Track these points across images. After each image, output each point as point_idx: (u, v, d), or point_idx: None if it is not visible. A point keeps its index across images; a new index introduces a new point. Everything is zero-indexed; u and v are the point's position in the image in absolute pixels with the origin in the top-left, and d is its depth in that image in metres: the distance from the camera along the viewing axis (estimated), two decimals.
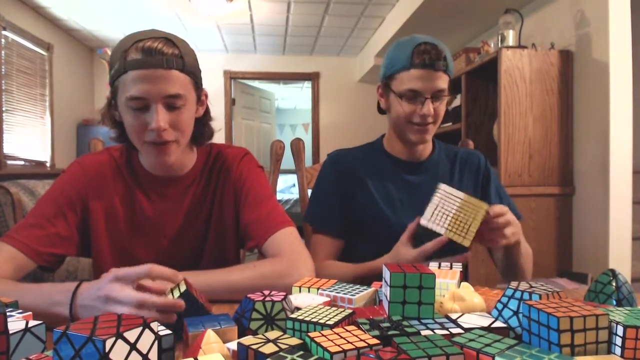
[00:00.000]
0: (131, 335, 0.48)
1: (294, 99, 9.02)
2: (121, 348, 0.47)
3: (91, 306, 0.72)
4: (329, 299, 0.78)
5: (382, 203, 1.26)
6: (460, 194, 1.05)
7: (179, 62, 0.94)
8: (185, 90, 0.96)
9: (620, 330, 0.56)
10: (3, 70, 3.72)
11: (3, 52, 3.72)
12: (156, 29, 0.97)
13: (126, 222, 1.07)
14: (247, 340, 0.57)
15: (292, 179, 7.34)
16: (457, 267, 0.88)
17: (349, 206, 1.28)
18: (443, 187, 1.07)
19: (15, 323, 0.57)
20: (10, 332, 0.54)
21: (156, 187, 1.09)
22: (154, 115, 0.93)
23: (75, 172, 1.06)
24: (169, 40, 0.94)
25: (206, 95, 1.07)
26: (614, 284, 0.76)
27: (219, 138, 5.55)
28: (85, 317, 0.66)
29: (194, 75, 0.99)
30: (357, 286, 0.83)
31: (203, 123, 1.09)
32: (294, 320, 0.63)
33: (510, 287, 0.68)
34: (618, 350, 0.56)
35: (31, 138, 4.21)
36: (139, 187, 1.09)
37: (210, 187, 1.13)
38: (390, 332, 0.59)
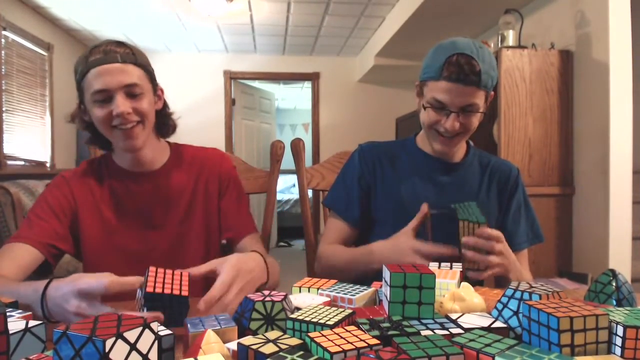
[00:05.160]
0: (131, 335, 0.48)
1: (293, 99, 9.01)
2: (121, 348, 0.47)
3: (58, 313, 0.76)
4: (329, 299, 0.78)
5: (406, 199, 1.24)
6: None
7: (131, 58, 1.07)
8: (141, 80, 1.08)
9: (620, 330, 0.56)
10: (3, 70, 3.71)
11: (3, 52, 3.71)
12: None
13: (109, 218, 1.15)
14: (247, 340, 0.57)
15: (292, 179, 7.35)
16: (457, 267, 0.88)
17: (369, 199, 1.28)
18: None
19: (15, 323, 0.58)
20: (10, 332, 0.54)
21: (132, 182, 1.16)
22: (116, 102, 1.04)
23: (60, 181, 1.16)
24: (122, 42, 1.09)
25: (162, 91, 1.19)
26: (614, 284, 0.77)
27: (219, 137, 5.55)
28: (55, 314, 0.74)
29: (147, 69, 1.11)
30: (357, 286, 0.83)
31: (164, 114, 1.20)
32: (294, 320, 0.63)
33: (510, 287, 0.68)
34: (618, 350, 0.56)
35: (31, 138, 4.20)
36: (118, 183, 1.16)
37: (190, 183, 1.20)
38: (390, 332, 0.59)
